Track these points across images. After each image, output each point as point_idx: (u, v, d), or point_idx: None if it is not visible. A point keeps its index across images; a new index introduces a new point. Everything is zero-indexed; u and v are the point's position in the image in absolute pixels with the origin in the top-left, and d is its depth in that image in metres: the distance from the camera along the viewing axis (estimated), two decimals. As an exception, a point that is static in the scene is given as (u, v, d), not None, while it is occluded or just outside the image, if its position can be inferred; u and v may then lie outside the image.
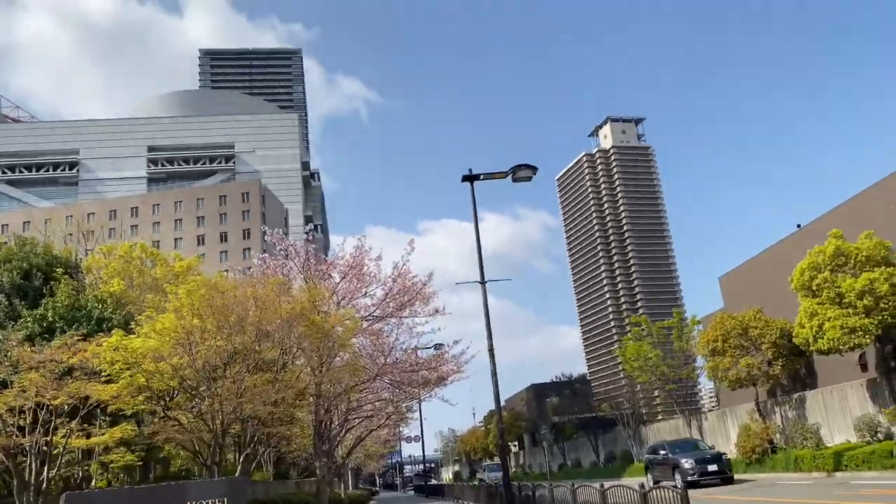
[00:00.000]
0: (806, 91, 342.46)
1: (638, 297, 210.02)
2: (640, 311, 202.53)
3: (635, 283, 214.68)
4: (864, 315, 24.01)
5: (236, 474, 16.56)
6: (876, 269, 24.38)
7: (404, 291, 21.09)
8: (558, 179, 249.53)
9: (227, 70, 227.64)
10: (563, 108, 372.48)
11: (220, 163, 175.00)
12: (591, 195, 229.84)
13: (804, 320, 25.88)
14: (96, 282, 20.72)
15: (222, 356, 15.28)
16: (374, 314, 21.29)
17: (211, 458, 16.23)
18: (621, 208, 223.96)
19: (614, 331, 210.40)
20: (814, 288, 25.62)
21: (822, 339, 24.88)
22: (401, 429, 48.52)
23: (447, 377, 23.53)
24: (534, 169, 27.35)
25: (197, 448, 16.58)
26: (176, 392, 15.93)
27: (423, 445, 59.43)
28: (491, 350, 25.49)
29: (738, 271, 41.86)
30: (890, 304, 23.72)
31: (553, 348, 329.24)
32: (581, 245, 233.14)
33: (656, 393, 46.04)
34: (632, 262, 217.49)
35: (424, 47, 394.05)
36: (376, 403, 23.50)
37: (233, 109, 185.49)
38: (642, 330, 44.67)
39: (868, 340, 24.10)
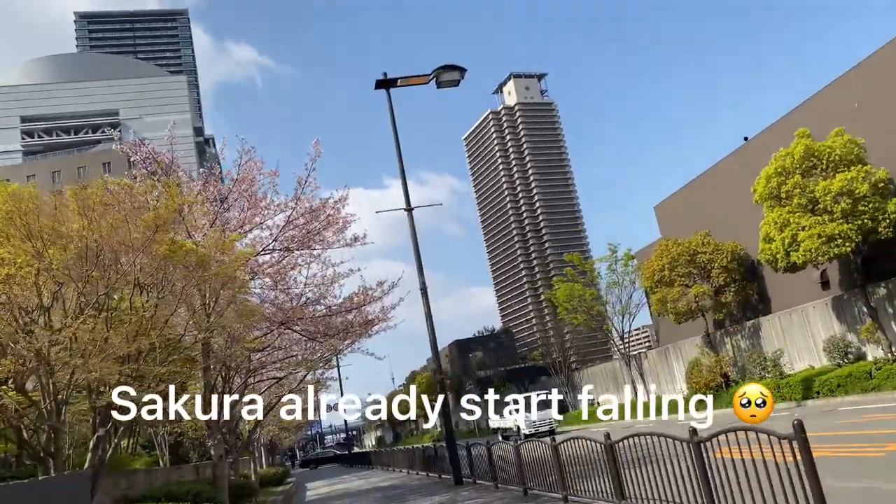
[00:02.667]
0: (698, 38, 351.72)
1: (548, 250, 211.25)
2: (550, 263, 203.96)
3: (545, 237, 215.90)
4: (842, 221, 21.13)
5: (86, 466, 11.70)
6: (852, 167, 21.50)
7: (312, 215, 16.34)
8: (465, 139, 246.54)
9: (107, 35, 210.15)
10: (468, 66, 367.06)
11: (103, 132, 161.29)
12: (498, 153, 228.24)
13: (773, 233, 22.84)
14: None
15: (39, 294, 10.34)
16: (274, 247, 16.52)
17: (44, 447, 11.30)
18: (528, 164, 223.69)
19: (526, 285, 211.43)
20: (782, 195, 22.57)
21: (797, 251, 21.91)
22: (319, 396, 43.91)
23: (374, 324, 19.07)
24: (461, 70, 22.92)
25: (27, 436, 11.58)
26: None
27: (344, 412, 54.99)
28: (423, 289, 21.18)
29: (674, 198, 39.13)
30: (870, 205, 20.91)
31: (467, 309, 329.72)
32: (491, 203, 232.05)
33: (595, 336, 43.19)
34: (540, 216, 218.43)
35: (312, 8, 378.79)
36: (286, 361, 18.80)
37: (115, 74, 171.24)
38: (574, 269, 41.48)
39: (849, 248, 21.25)
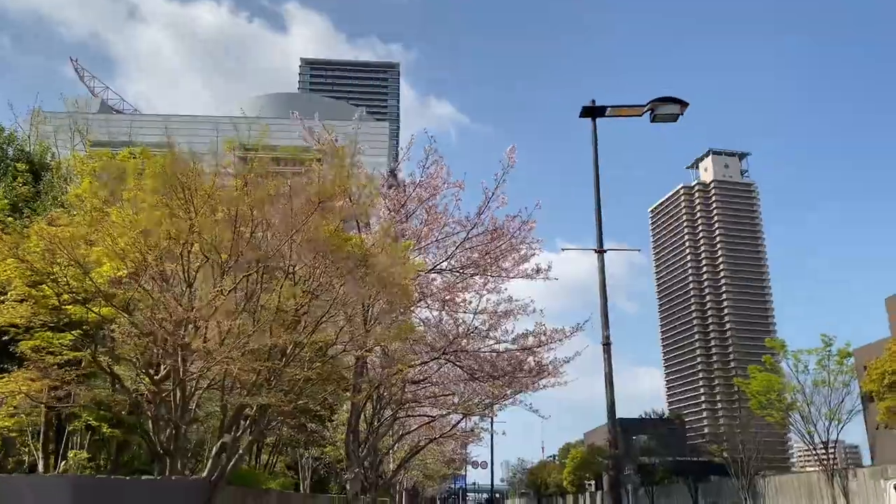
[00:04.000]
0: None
1: (730, 338, 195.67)
2: (731, 352, 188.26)
3: (727, 322, 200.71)
4: None
5: (204, 474, 10.20)
6: None
7: (495, 234, 14.28)
8: (652, 211, 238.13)
9: (325, 80, 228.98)
10: (660, 139, 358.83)
11: (309, 165, 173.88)
12: (685, 230, 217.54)
13: None
14: (64, 183, 15.03)
15: (186, 269, 9.04)
16: (445, 267, 14.57)
17: (164, 444, 9.95)
18: (718, 246, 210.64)
19: (700, 372, 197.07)
20: None
21: None
22: (468, 449, 41.65)
23: (543, 374, 16.49)
24: (682, 104, 20.18)
25: (150, 427, 10.33)
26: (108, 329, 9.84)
27: (491, 470, 52.25)
28: (606, 343, 18.32)
29: (914, 291, 32.98)
30: None
31: (629, 389, 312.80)
32: (670, 281, 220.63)
33: (789, 439, 37.33)
34: (725, 304, 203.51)
35: (515, 75, 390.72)
36: (441, 399, 16.72)
37: (327, 115, 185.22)
38: (775, 358, 36.14)
39: None
